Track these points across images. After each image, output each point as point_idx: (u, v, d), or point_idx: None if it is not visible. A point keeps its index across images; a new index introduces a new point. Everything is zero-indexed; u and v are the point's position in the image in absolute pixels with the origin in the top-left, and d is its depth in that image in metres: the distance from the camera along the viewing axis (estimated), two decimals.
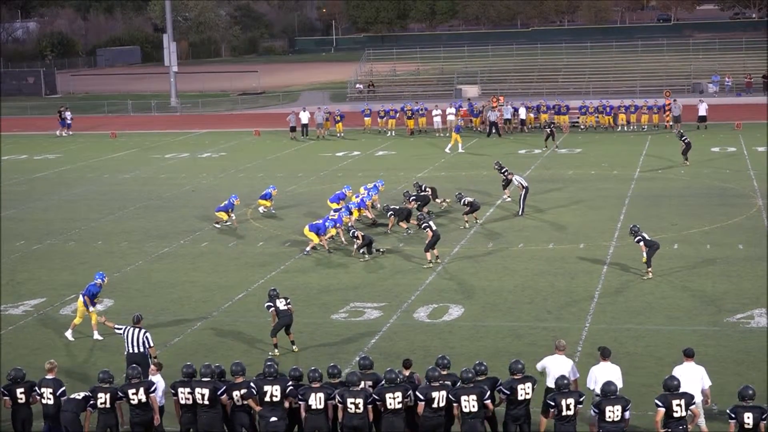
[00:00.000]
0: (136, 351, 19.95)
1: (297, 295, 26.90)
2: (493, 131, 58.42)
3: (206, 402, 16.78)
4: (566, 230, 33.78)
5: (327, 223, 31.97)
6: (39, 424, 17.80)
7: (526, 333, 23.41)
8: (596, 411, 15.87)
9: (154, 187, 45.57)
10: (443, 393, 16.37)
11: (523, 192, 36.14)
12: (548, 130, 52.74)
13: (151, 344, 20.06)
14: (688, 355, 17.17)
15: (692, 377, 16.84)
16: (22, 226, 37.60)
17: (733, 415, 15.55)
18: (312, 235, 31.67)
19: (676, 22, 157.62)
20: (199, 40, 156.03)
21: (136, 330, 20.13)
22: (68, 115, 68.97)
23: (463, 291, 27.21)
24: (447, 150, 52.79)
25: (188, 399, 16.98)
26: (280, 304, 22.47)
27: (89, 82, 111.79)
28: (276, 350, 22.39)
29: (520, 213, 36.13)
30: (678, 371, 16.78)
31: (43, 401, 17.35)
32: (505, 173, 38.35)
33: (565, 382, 16.27)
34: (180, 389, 17.06)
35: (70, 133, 67.84)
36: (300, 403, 16.65)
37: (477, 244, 32.39)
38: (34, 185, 47.43)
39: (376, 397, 16.47)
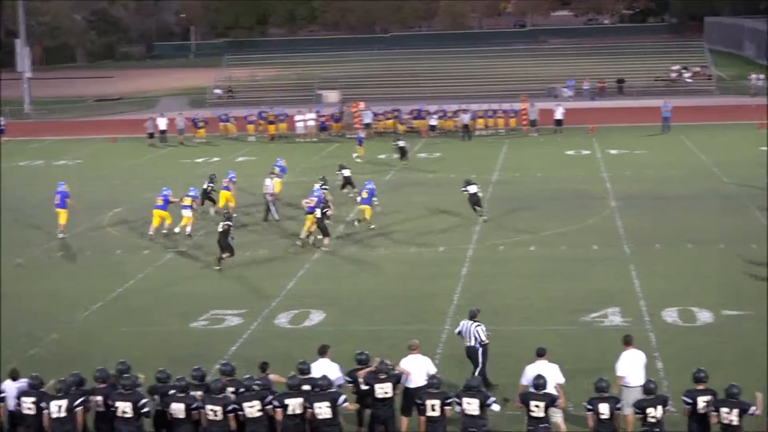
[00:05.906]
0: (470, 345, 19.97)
1: (156, 303, 26.56)
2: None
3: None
4: (427, 234, 34.04)
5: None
6: None
7: (386, 336, 23.51)
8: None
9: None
10: (299, 400, 16.37)
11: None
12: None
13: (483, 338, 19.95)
14: (540, 354, 17.58)
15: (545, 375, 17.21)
16: None
17: (590, 407, 16.10)
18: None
19: (531, 27, 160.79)
20: (54, 45, 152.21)
21: (472, 324, 20.08)
22: None
23: (324, 296, 27.19)
24: None
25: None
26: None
27: None
28: None
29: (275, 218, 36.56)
30: (531, 369, 17.14)
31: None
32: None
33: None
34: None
35: None
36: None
37: (340, 248, 32.41)
38: None
39: (236, 406, 16.36)
